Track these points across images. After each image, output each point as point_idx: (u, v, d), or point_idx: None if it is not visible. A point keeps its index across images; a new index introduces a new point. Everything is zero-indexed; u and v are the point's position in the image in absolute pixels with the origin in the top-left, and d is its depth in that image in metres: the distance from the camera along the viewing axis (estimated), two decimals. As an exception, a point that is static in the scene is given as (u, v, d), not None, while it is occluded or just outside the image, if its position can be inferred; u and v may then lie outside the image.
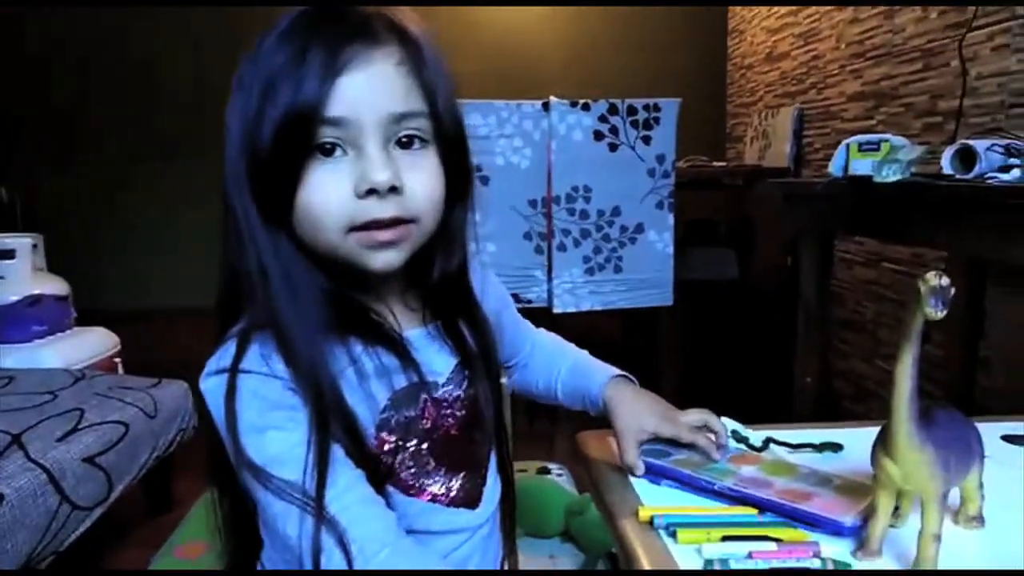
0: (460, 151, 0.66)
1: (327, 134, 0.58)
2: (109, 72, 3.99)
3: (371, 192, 0.58)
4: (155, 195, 4.05)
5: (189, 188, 3.88)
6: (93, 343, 2.40)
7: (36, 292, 2.31)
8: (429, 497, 0.67)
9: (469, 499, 0.70)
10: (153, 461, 1.76)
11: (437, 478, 0.67)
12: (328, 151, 0.58)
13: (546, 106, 2.02)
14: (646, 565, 0.57)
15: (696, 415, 0.75)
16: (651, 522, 0.62)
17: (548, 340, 0.89)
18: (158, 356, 2.51)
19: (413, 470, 0.66)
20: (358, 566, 0.55)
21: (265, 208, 0.60)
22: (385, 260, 0.61)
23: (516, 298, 2.11)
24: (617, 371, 0.80)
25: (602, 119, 2.05)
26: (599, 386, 0.78)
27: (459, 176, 0.66)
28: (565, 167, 2.06)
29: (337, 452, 0.58)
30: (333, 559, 0.55)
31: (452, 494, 0.68)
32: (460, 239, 0.69)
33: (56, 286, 2.40)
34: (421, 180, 0.61)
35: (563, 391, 0.83)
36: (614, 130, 2.06)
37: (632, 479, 0.72)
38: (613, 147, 2.07)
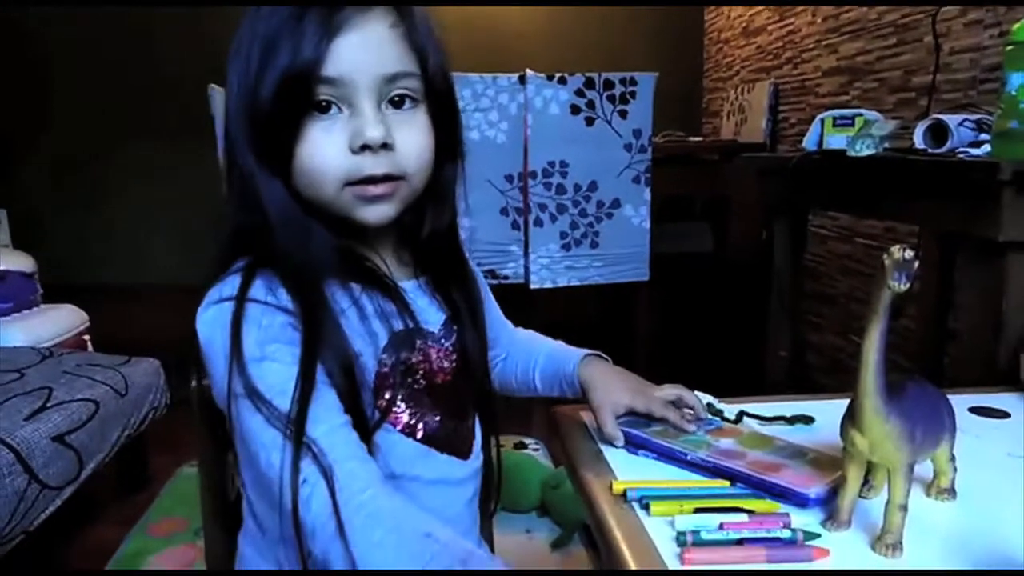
0: (450, 110, 0.69)
1: (323, 92, 0.61)
2: (77, 52, 3.89)
3: (365, 148, 0.61)
4: (123, 171, 3.97)
5: (156, 165, 3.81)
6: (61, 320, 2.35)
7: (0, 268, 2.26)
8: (423, 437, 0.68)
9: (460, 447, 0.72)
10: (125, 439, 1.74)
11: (433, 419, 0.69)
12: (324, 108, 0.61)
13: (522, 79, 2.00)
14: (619, 538, 0.57)
15: (670, 390, 0.77)
16: (624, 495, 0.62)
17: (525, 335, 0.90)
18: (129, 333, 2.47)
19: (411, 407, 0.68)
20: (341, 500, 0.54)
21: (265, 161, 0.62)
22: (378, 213, 0.64)
23: (492, 274, 2.11)
24: (590, 351, 0.82)
25: (578, 93, 2.03)
26: (574, 365, 0.80)
27: (449, 134, 0.69)
28: (541, 141, 2.04)
29: (330, 395, 0.60)
30: (318, 489, 0.54)
31: (447, 438, 0.70)
32: (450, 197, 0.72)
33: (21, 262, 2.34)
34: (411, 138, 0.64)
35: (541, 378, 0.84)
36: (591, 104, 2.05)
37: (606, 452, 0.72)
38: (590, 121, 2.06)
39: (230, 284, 0.61)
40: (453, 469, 0.71)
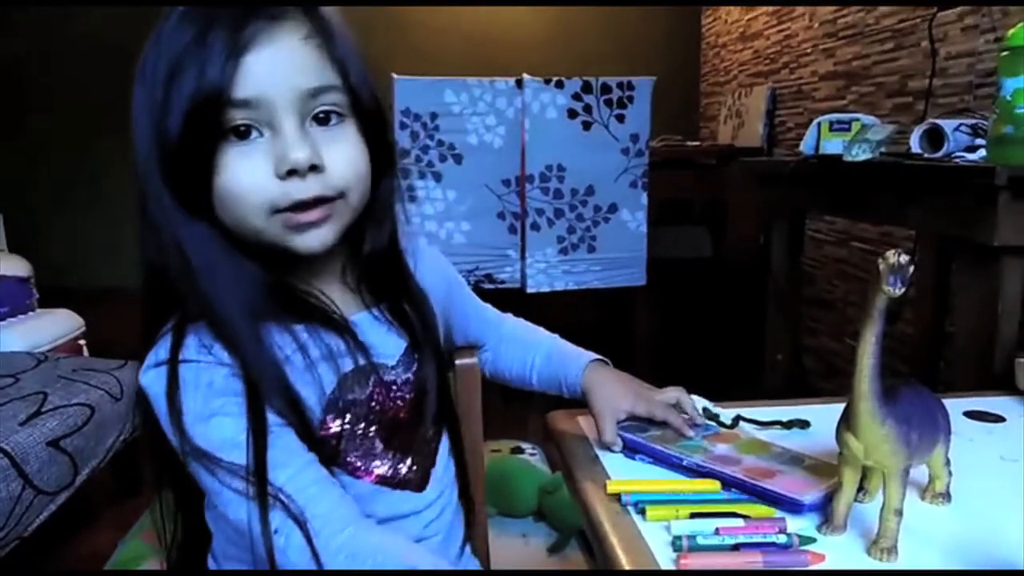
0: (379, 124, 0.64)
1: (238, 116, 0.56)
2: (69, 48, 3.88)
3: (292, 173, 0.56)
4: (121, 175, 3.96)
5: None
6: (56, 325, 2.34)
7: (-4, 273, 2.25)
8: (375, 479, 0.66)
9: (416, 482, 0.69)
10: (120, 444, 1.73)
11: (385, 460, 0.67)
12: (243, 133, 0.56)
13: (519, 83, 2.00)
14: (615, 543, 0.57)
15: (671, 393, 0.76)
16: (618, 497, 0.62)
17: (518, 327, 0.88)
18: (125, 338, 2.46)
19: (360, 452, 0.65)
20: (320, 546, 0.53)
21: (182, 198, 0.57)
22: (314, 240, 0.60)
23: (489, 278, 2.11)
24: (593, 355, 0.81)
25: (576, 97, 2.04)
26: (576, 372, 0.78)
27: (381, 149, 0.64)
28: (539, 145, 2.05)
29: (288, 436, 0.58)
30: (292, 538, 0.54)
31: (399, 477, 0.68)
32: (388, 213, 0.68)
33: (16, 266, 2.33)
34: (342, 154, 0.59)
35: (538, 378, 0.83)
36: (588, 108, 2.05)
37: (602, 457, 0.72)
38: (587, 125, 2.06)
39: (163, 347, 0.58)
40: (407, 504, 0.68)
